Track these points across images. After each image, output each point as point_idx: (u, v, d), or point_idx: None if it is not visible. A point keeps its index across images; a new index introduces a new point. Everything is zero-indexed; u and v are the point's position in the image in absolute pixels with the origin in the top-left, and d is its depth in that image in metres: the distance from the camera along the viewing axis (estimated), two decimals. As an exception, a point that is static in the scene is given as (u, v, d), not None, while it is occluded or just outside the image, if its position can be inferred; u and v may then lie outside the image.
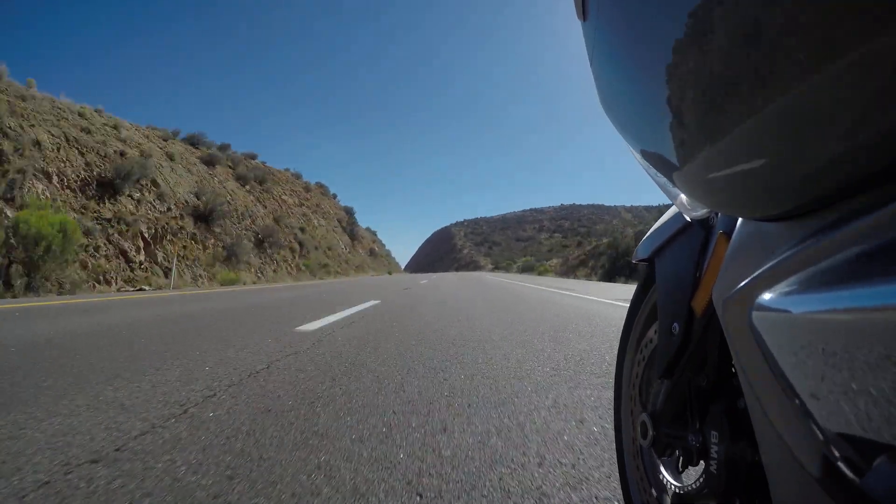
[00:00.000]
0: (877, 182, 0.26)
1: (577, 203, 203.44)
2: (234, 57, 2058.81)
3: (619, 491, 0.90)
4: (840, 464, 0.26)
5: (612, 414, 0.87)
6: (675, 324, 0.58)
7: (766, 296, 0.31)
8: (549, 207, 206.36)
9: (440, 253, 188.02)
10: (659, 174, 0.48)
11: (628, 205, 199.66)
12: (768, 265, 0.33)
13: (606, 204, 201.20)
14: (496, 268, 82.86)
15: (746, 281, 0.35)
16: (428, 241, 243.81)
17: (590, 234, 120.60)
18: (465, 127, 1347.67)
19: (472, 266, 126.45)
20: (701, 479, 0.51)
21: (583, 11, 0.50)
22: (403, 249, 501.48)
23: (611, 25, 0.43)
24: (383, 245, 72.91)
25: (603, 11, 0.44)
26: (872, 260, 0.24)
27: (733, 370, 0.51)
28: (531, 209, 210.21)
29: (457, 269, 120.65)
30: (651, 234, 0.74)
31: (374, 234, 68.30)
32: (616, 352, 0.85)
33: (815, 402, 0.26)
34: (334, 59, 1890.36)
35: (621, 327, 0.84)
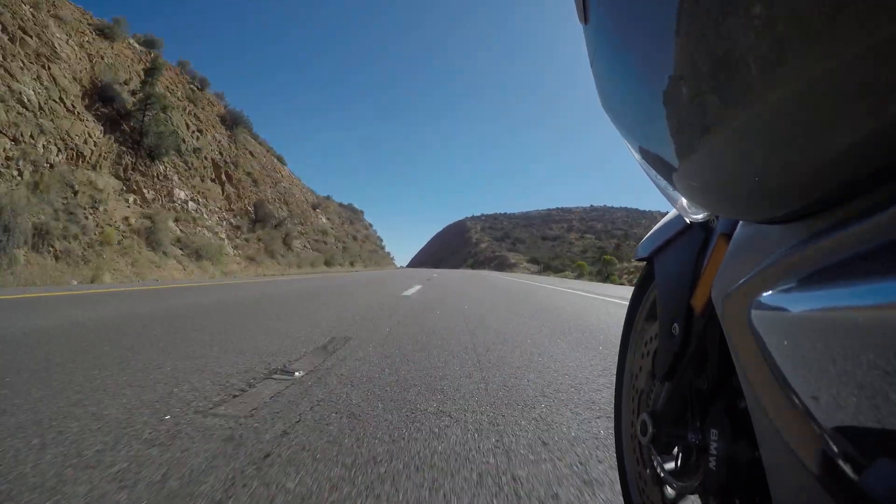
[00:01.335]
0: (876, 183, 0.26)
1: (609, 205, 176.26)
2: (234, 39, 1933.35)
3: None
4: (839, 462, 0.26)
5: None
6: (675, 323, 0.58)
7: (765, 295, 0.31)
8: (578, 208, 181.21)
9: (452, 247, 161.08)
10: (659, 176, 0.48)
11: (663, 210, 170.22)
12: (767, 265, 0.33)
13: (641, 208, 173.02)
14: (546, 268, 52.93)
15: (745, 279, 0.35)
16: (437, 237, 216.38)
17: (628, 238, 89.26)
18: (480, 121, 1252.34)
19: (497, 263, 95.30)
20: (700, 477, 0.51)
21: (584, 15, 0.50)
22: (409, 246, 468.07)
23: (611, 28, 0.43)
24: (370, 229, 45.34)
25: (603, 15, 0.44)
26: (871, 260, 0.24)
27: (734, 369, 0.53)
28: (557, 208, 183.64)
29: (472, 267, 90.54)
30: (652, 234, 0.76)
31: (358, 211, 41.72)
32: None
33: (813, 399, 0.26)
34: (342, 44, 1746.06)
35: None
